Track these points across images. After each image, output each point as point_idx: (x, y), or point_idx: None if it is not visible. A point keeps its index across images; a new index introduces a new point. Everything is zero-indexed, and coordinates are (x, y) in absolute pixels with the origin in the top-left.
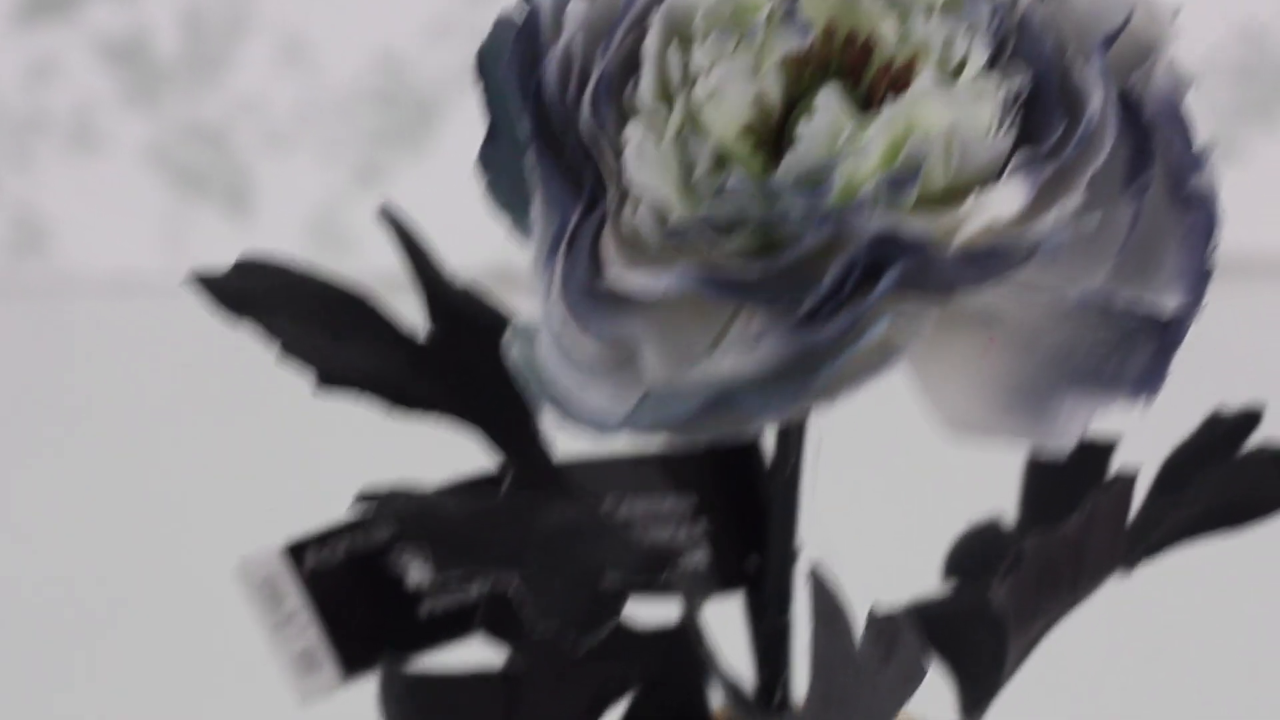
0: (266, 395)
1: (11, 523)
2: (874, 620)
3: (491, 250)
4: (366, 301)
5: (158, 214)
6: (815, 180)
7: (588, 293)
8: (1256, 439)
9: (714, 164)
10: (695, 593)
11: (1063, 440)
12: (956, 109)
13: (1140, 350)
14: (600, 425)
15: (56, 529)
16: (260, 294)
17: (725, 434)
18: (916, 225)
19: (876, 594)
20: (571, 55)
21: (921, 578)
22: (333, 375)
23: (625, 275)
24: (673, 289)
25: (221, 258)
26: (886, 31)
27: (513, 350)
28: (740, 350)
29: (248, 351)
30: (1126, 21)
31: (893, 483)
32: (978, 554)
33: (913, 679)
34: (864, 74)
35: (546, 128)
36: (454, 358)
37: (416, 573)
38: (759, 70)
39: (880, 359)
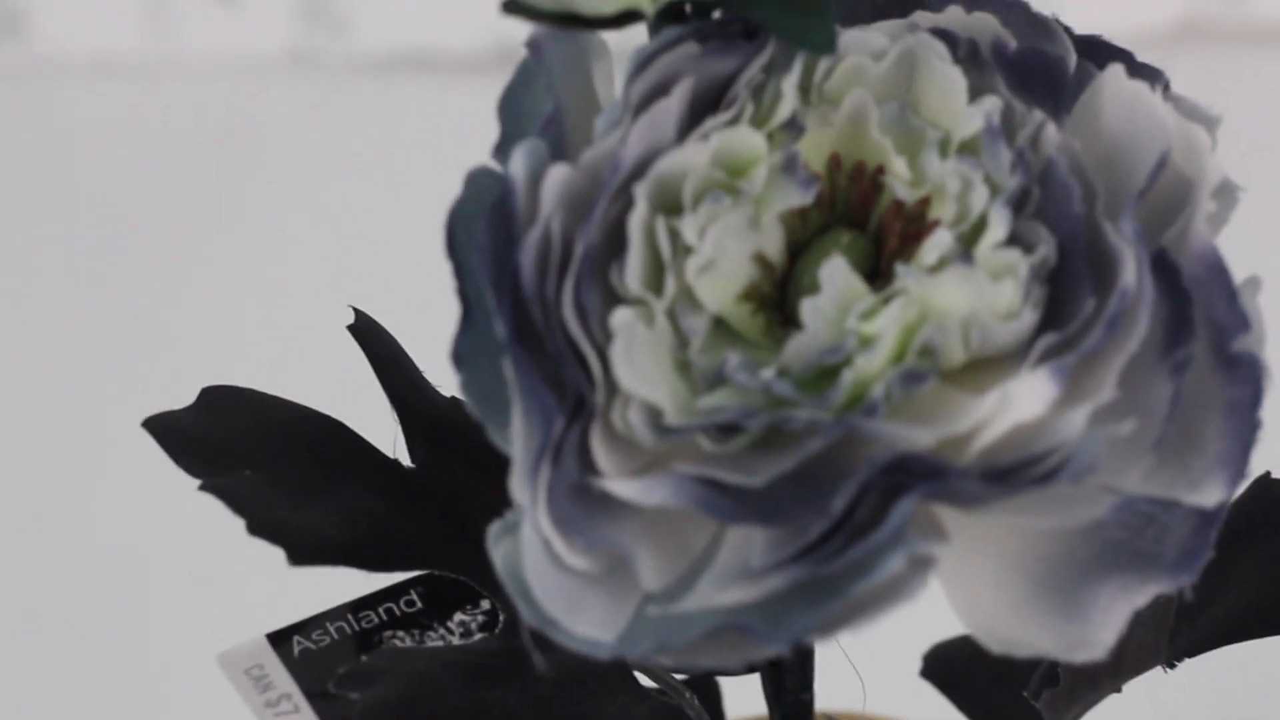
0: (251, 181)
1: None
2: None
3: (494, 31)
4: (342, 430)
5: None
6: (822, 379)
7: (575, 500)
8: None
9: (711, 337)
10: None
11: (1099, 643)
12: (975, 292)
13: (1179, 525)
14: (595, 648)
15: (37, 312)
16: (226, 439)
17: (730, 660)
18: (931, 435)
19: (903, 644)
20: (550, 240)
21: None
22: (305, 551)
23: (617, 483)
24: (669, 502)
25: (210, 38)
26: (897, 168)
27: (497, 553)
28: (743, 579)
29: (234, 136)
30: (1160, 167)
31: None
32: None
33: None
34: (873, 210)
35: (525, 324)
36: (440, 485)
37: None
38: (757, 224)
39: (904, 582)
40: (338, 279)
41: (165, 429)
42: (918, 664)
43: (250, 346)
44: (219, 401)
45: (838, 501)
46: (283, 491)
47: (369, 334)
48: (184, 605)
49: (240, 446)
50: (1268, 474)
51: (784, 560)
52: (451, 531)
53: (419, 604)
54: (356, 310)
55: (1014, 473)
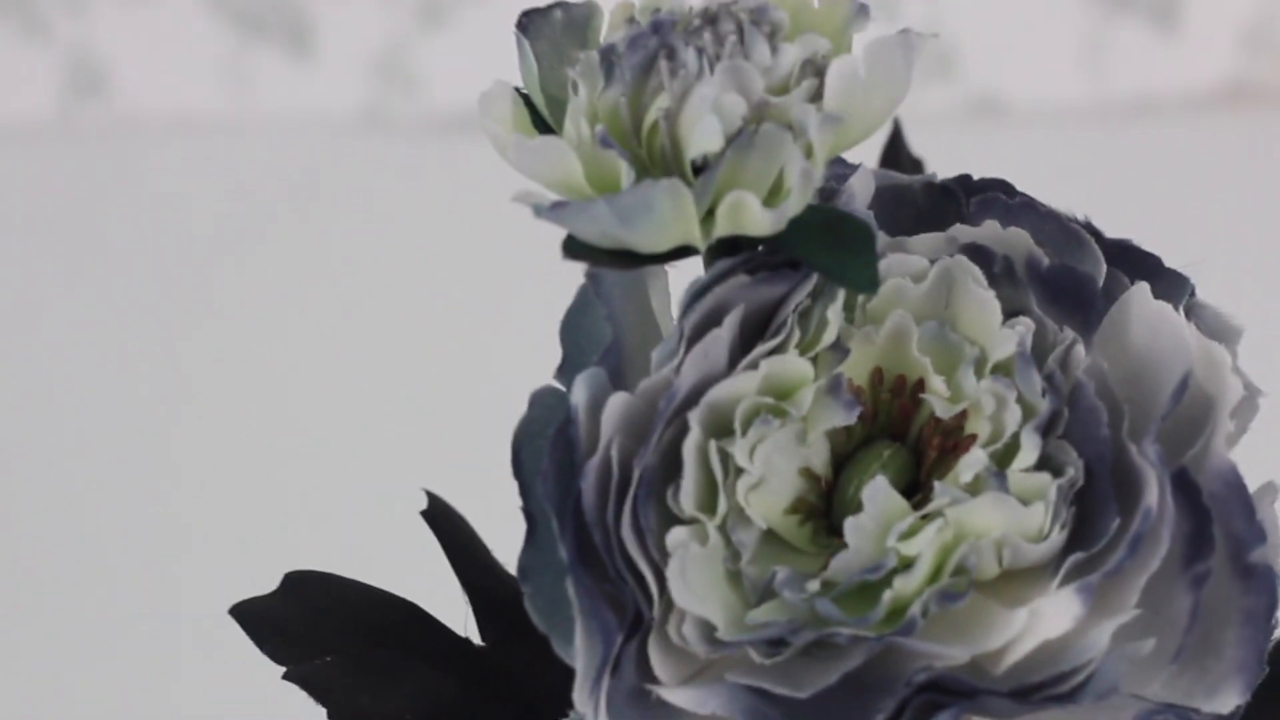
0: (330, 232)
1: (75, 357)
2: None
3: None
4: (416, 612)
5: (218, 55)
6: (864, 596)
7: (634, 705)
8: None
9: (761, 548)
10: None
11: None
12: (1008, 516)
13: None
14: None
15: (117, 365)
16: (308, 624)
17: None
18: (965, 652)
19: None
20: (609, 466)
21: None
22: None
23: (673, 693)
24: (721, 711)
25: (285, 96)
26: (936, 387)
27: None
28: None
29: (314, 188)
30: (1182, 389)
31: None
32: None
33: None
34: (913, 421)
35: (587, 547)
36: (509, 662)
37: None
38: (804, 439)
39: None
40: (406, 333)
41: (251, 616)
42: None
43: (319, 395)
44: (301, 586)
45: (878, 718)
46: (362, 677)
47: (441, 519)
48: None
49: (321, 631)
50: None
51: None
52: (520, 711)
53: None
54: (430, 495)
55: (1041, 690)
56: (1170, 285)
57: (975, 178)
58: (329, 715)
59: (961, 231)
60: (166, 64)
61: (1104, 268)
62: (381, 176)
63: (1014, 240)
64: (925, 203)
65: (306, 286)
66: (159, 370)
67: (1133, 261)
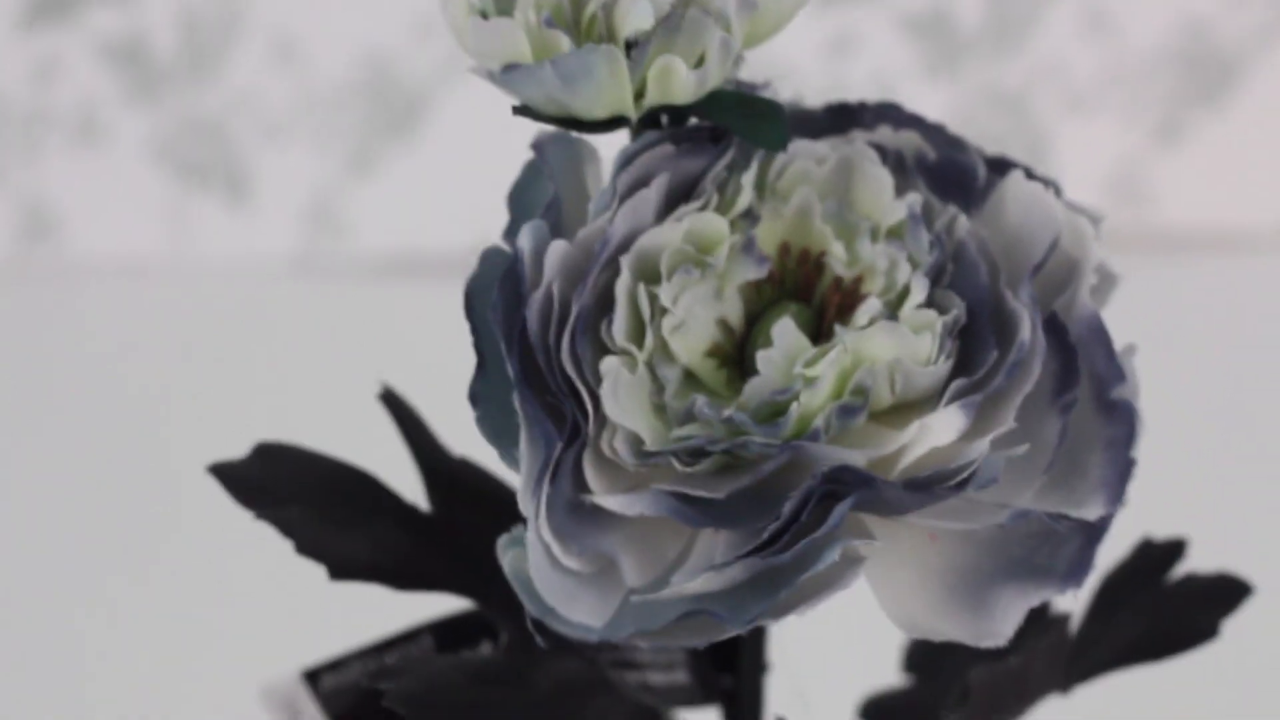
0: (265, 371)
1: (22, 502)
2: None
3: (477, 231)
4: (372, 480)
5: (161, 203)
6: (773, 414)
7: (571, 513)
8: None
9: (682, 385)
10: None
11: (1001, 634)
12: (899, 343)
13: (1068, 543)
14: (585, 632)
15: (65, 508)
16: (276, 483)
17: (697, 640)
18: (863, 457)
19: (842, 688)
20: (551, 299)
21: (882, 672)
22: (343, 569)
23: (605, 498)
24: (648, 511)
25: (223, 242)
26: (836, 251)
27: (505, 559)
28: (708, 571)
29: (250, 329)
30: (1053, 248)
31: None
32: (933, 649)
33: None
34: (816, 288)
35: (531, 367)
36: (453, 527)
37: None
38: (721, 295)
39: (840, 573)
40: (357, 435)
41: (226, 474)
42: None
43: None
44: (270, 453)
45: (787, 506)
46: (324, 524)
47: (395, 403)
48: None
49: (288, 488)
50: (1148, 539)
51: (742, 555)
52: (461, 564)
53: (431, 646)
54: (385, 385)
55: (931, 483)
56: (1040, 182)
57: (870, 102)
58: (295, 548)
59: (858, 135)
60: (113, 211)
61: (984, 168)
62: (312, 317)
63: (904, 140)
64: (828, 123)
65: (241, 421)
66: (102, 508)
67: (1008, 167)
